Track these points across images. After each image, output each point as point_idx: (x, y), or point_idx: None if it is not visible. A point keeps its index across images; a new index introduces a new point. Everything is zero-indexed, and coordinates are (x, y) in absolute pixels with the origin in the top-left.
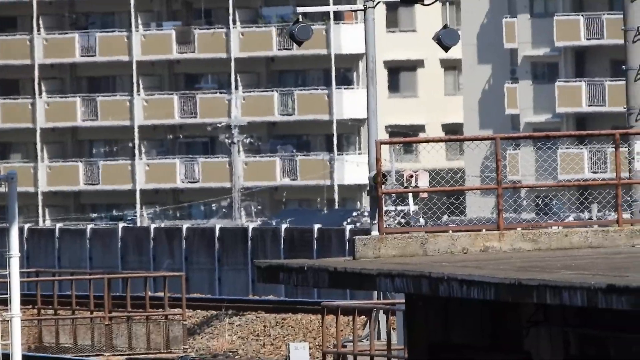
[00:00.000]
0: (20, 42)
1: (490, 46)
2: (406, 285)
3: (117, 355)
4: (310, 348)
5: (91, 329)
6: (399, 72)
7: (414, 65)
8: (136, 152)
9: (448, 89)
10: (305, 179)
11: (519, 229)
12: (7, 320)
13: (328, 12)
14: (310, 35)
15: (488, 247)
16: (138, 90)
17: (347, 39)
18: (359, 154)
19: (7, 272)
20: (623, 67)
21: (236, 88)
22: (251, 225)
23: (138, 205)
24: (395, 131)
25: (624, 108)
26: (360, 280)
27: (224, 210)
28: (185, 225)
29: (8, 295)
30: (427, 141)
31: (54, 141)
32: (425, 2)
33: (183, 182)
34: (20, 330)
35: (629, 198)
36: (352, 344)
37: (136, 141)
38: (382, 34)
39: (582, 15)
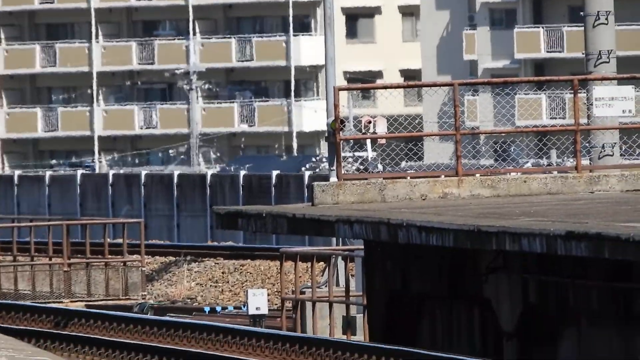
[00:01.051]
0: None
1: None
2: (365, 231)
3: (76, 301)
4: (268, 294)
5: (50, 275)
6: (357, 19)
7: (371, 12)
8: (94, 98)
9: (406, 35)
10: (263, 125)
11: (477, 175)
12: None
13: None
14: None
15: (447, 193)
16: (97, 37)
17: None
18: (317, 100)
19: None
20: (581, 13)
21: (194, 34)
22: (209, 172)
23: (96, 152)
24: (353, 77)
25: (583, 54)
26: (319, 227)
27: (182, 157)
28: (144, 171)
29: None
30: (385, 87)
31: (13, 88)
32: None
33: (141, 128)
34: None
35: (587, 144)
36: (310, 290)
37: (94, 88)
38: None
39: None
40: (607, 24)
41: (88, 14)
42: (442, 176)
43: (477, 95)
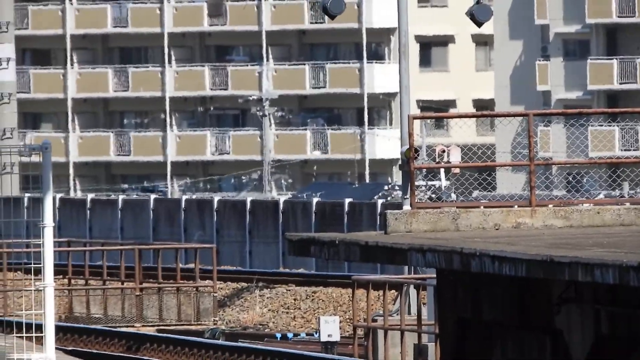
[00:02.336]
0: (52, 12)
1: (521, 22)
2: (438, 260)
3: (148, 326)
4: (340, 322)
5: (122, 299)
6: (431, 47)
7: (445, 41)
8: (167, 123)
9: (479, 65)
10: (336, 152)
11: (550, 205)
12: (40, 290)
13: None
14: (343, 9)
15: (520, 223)
16: (169, 62)
17: (378, 12)
18: (390, 128)
19: (41, 242)
20: None
21: (267, 60)
22: (282, 199)
23: (169, 177)
24: (426, 106)
25: None
26: (392, 255)
27: (254, 183)
28: (217, 197)
29: (41, 265)
30: (460, 116)
31: (86, 112)
32: None
33: (214, 154)
34: (53, 300)
35: None
36: (382, 318)
37: (167, 113)
38: (414, 8)
39: None
40: None
41: (161, 39)
42: (516, 206)
43: (550, 126)
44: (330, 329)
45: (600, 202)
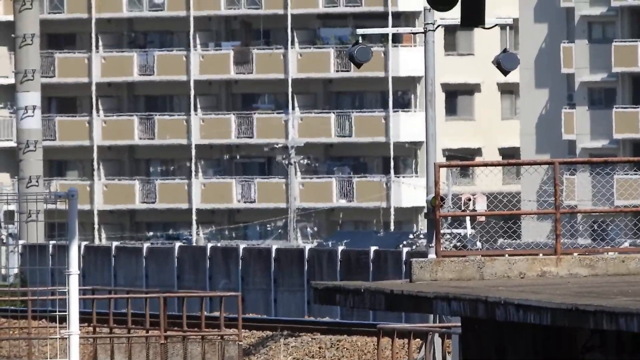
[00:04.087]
0: (79, 60)
1: (547, 71)
2: (463, 308)
3: None
4: None
5: (147, 347)
6: (457, 96)
7: (471, 89)
8: (193, 171)
9: (505, 113)
10: (362, 200)
11: (575, 254)
12: (65, 338)
13: (387, 34)
14: (370, 57)
15: (545, 271)
16: (195, 110)
17: (405, 61)
18: (416, 176)
19: (67, 289)
20: None
21: (293, 109)
22: (307, 246)
23: (194, 225)
24: (451, 154)
25: None
26: (417, 303)
27: (279, 230)
28: (242, 245)
29: (66, 313)
30: (486, 165)
31: (111, 159)
32: (485, 26)
33: (239, 202)
34: (78, 347)
35: None
36: None
37: (193, 160)
38: (441, 56)
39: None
40: None
41: (187, 86)
42: (541, 254)
43: (576, 174)
44: None
45: (626, 250)
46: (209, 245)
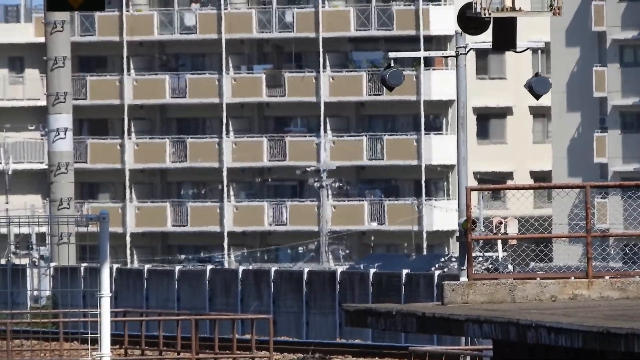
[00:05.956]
0: (110, 82)
1: (579, 94)
2: (494, 331)
3: None
4: None
5: None
6: (488, 119)
7: (503, 112)
8: (225, 194)
9: (537, 137)
10: (393, 224)
11: (607, 277)
12: None
13: (418, 58)
14: (402, 81)
15: (576, 295)
16: (227, 133)
17: (436, 85)
18: (447, 199)
19: (98, 312)
20: None
21: (325, 132)
22: (339, 269)
23: (225, 248)
24: (483, 178)
25: None
26: (449, 326)
27: (311, 254)
28: (274, 268)
29: (97, 335)
30: (517, 188)
31: (143, 182)
32: (517, 50)
33: (271, 225)
34: None
35: None
36: None
37: (225, 183)
38: (472, 80)
39: None
40: None
41: (219, 109)
42: (572, 278)
43: (608, 197)
44: None
45: None
46: (241, 268)
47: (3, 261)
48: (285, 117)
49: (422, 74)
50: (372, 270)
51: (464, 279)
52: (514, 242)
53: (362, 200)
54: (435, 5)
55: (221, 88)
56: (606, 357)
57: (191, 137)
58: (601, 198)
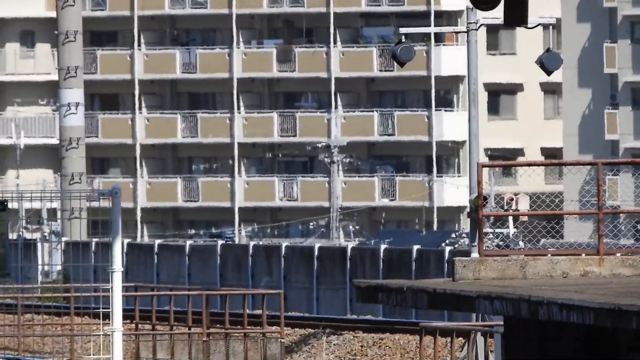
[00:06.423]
0: (121, 57)
1: (590, 71)
2: (505, 308)
3: None
4: None
5: (189, 344)
6: (499, 95)
7: (513, 89)
8: (235, 169)
9: (548, 113)
10: (404, 199)
11: (618, 254)
12: (108, 335)
13: (429, 34)
14: (413, 57)
15: (588, 271)
16: (238, 108)
17: (447, 60)
18: (458, 176)
19: (110, 286)
20: None
21: (336, 107)
22: (350, 245)
23: (236, 223)
24: (494, 154)
25: None
26: (460, 302)
27: (322, 229)
28: (284, 243)
29: (109, 309)
30: (529, 164)
31: (154, 157)
32: (528, 26)
33: (282, 200)
34: (121, 344)
35: None
36: None
37: (236, 159)
38: (483, 56)
39: None
40: None
41: (230, 84)
42: (583, 254)
43: (619, 174)
44: None
45: None
46: (252, 243)
47: (14, 236)
48: (296, 93)
49: (432, 50)
50: (383, 246)
51: (474, 255)
52: (525, 218)
53: (373, 176)
54: None
55: (232, 63)
56: (617, 334)
57: (202, 112)
58: (612, 175)
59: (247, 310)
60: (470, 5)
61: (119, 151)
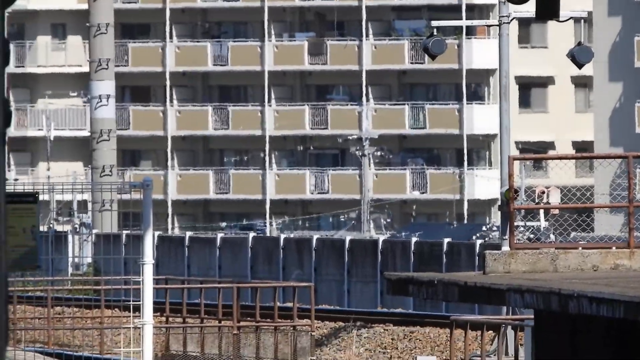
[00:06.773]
0: (153, 49)
1: (621, 64)
2: (536, 301)
3: None
4: None
5: (219, 337)
6: (530, 88)
7: (544, 82)
8: (266, 162)
9: (578, 106)
10: (435, 192)
11: None
12: (138, 327)
13: (461, 27)
14: (445, 50)
15: (618, 265)
16: (269, 101)
17: (478, 53)
18: (489, 169)
19: (140, 279)
20: None
21: (367, 100)
22: (381, 238)
23: (267, 216)
24: (525, 147)
25: None
26: (490, 295)
27: (352, 222)
28: (316, 236)
29: (139, 302)
30: (560, 158)
31: (185, 149)
32: (560, 19)
33: (312, 193)
34: (151, 337)
35: None
36: (479, 359)
37: (267, 151)
38: (514, 49)
39: None
40: None
41: (261, 77)
42: (614, 248)
43: None
44: None
45: None
46: (282, 236)
47: (45, 228)
48: (327, 86)
49: (464, 43)
50: (414, 239)
51: (505, 248)
52: (556, 211)
53: (404, 169)
54: None
55: (263, 56)
56: None
57: (233, 105)
58: None
59: (278, 303)
60: None
61: (150, 143)
